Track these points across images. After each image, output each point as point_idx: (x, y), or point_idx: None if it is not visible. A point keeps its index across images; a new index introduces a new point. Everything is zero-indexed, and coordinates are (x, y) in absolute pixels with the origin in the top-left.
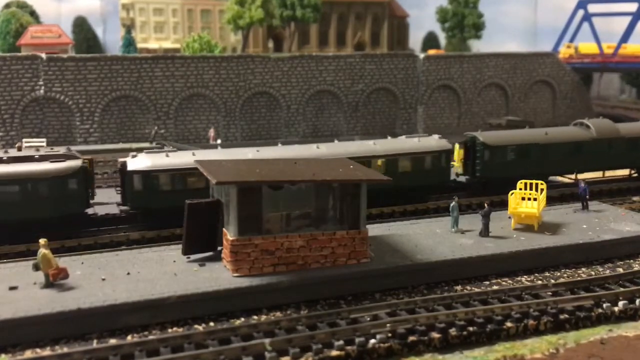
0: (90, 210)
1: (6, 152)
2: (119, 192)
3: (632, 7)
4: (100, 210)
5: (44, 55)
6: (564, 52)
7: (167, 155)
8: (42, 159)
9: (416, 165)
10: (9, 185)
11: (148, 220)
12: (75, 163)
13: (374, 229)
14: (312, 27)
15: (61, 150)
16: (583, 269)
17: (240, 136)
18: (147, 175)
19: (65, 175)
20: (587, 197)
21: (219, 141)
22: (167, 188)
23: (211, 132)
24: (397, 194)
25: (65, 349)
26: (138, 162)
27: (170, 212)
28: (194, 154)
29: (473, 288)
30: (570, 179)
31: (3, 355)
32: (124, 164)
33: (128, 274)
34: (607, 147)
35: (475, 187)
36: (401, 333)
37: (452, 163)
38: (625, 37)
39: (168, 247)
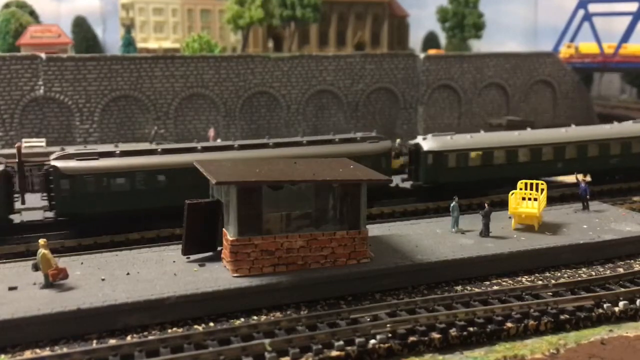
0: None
1: None
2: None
3: (632, 7)
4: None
5: (43, 55)
6: (564, 52)
7: (451, 138)
8: None
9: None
10: None
11: (437, 194)
12: (387, 145)
13: (374, 229)
14: (312, 27)
15: None
16: (583, 269)
17: (240, 136)
18: (439, 154)
19: (381, 155)
20: (588, 197)
21: (218, 141)
22: (453, 165)
23: (211, 132)
24: None
25: (65, 349)
26: (430, 143)
27: (455, 186)
28: (471, 137)
29: (473, 288)
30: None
31: (3, 356)
32: (418, 145)
33: (128, 274)
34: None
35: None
36: (401, 333)
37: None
38: (625, 37)
39: (168, 247)
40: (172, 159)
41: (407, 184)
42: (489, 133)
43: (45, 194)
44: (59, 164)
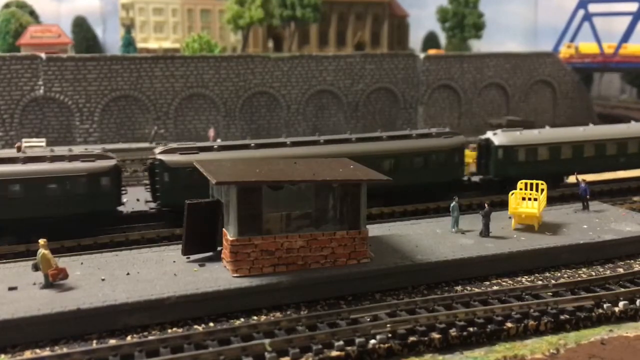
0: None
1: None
2: (477, 164)
3: (632, 7)
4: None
5: (43, 55)
6: (564, 52)
7: (521, 133)
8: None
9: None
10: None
11: (505, 187)
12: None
13: (374, 229)
14: (312, 27)
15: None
16: (583, 269)
17: (240, 136)
18: (510, 148)
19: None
20: (588, 197)
21: (218, 141)
22: (523, 159)
23: (211, 132)
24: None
25: (65, 350)
26: (501, 138)
27: (524, 178)
28: (539, 132)
29: (473, 288)
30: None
31: (3, 356)
32: (489, 140)
33: (128, 274)
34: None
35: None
36: (401, 333)
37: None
38: (625, 37)
39: (168, 247)
40: (265, 153)
41: (476, 178)
42: (556, 129)
43: (149, 186)
44: (164, 157)
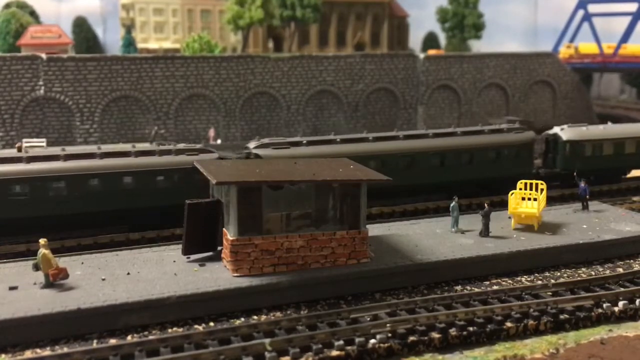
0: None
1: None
2: (542, 158)
3: (632, 7)
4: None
5: (44, 56)
6: (564, 52)
7: (587, 129)
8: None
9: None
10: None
11: (571, 180)
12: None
13: (374, 229)
14: (312, 27)
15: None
16: (583, 269)
17: (240, 136)
18: (577, 143)
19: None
20: (587, 197)
21: (219, 141)
22: (589, 154)
23: (211, 132)
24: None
25: (65, 349)
26: (569, 133)
27: (589, 173)
28: (604, 128)
29: (473, 288)
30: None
31: (3, 356)
32: (556, 135)
33: (128, 274)
34: None
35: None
36: (401, 333)
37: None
38: (625, 37)
39: (168, 247)
40: (347, 148)
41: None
42: (620, 125)
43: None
44: (260, 152)
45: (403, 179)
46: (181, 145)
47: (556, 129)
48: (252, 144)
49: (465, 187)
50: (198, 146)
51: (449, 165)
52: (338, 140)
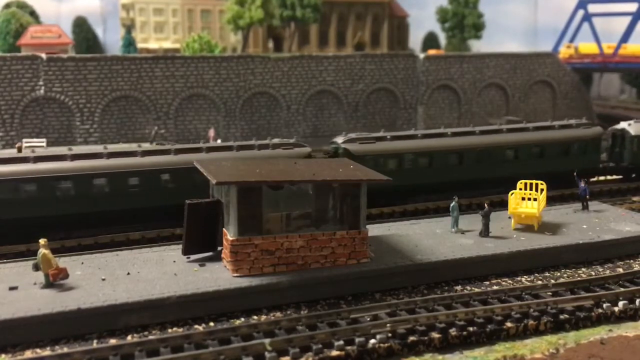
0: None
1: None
2: (608, 152)
3: (632, 7)
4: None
5: (44, 56)
6: (564, 52)
7: None
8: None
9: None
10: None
11: (637, 173)
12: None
13: (374, 229)
14: (312, 27)
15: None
16: (583, 269)
17: (240, 136)
18: None
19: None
20: (587, 197)
21: (219, 141)
22: None
23: (211, 132)
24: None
25: (65, 349)
26: (637, 129)
27: None
28: None
29: (473, 288)
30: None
31: (3, 356)
32: (624, 130)
33: (128, 274)
34: None
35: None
36: (401, 333)
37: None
38: (625, 37)
39: (168, 247)
40: (427, 142)
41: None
42: None
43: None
44: (348, 146)
45: (479, 172)
46: (276, 140)
47: (623, 124)
48: (339, 139)
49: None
50: (292, 141)
51: (522, 158)
52: (419, 135)
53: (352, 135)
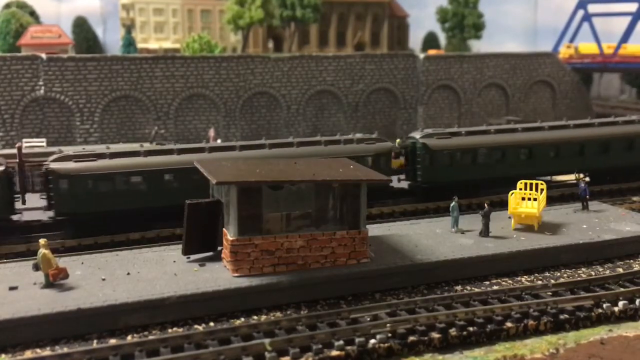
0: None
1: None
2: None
3: (632, 7)
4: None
5: (44, 56)
6: (564, 52)
7: None
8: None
9: None
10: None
11: None
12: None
13: (374, 229)
14: (312, 27)
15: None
16: (583, 269)
17: (240, 136)
18: None
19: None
20: (587, 197)
21: (219, 141)
22: None
23: (211, 132)
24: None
25: (65, 349)
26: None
27: None
28: None
29: (473, 288)
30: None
31: (3, 355)
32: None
33: (128, 274)
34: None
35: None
36: (401, 333)
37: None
38: (625, 37)
39: (168, 247)
40: (500, 138)
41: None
42: None
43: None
44: (427, 141)
45: (550, 166)
46: (359, 135)
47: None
48: (417, 134)
49: (601, 173)
50: (374, 136)
51: (589, 153)
52: (492, 130)
53: (429, 130)
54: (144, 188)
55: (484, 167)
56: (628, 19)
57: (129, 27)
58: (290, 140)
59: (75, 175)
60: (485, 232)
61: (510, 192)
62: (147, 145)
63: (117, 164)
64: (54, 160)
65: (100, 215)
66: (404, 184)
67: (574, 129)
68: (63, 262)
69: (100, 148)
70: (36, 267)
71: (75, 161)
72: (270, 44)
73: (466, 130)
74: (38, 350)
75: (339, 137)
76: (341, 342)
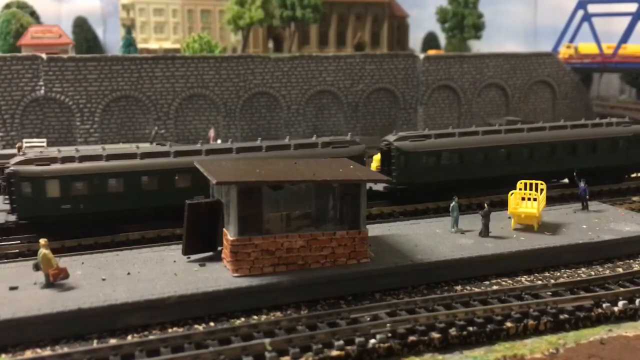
0: None
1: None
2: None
3: (632, 7)
4: None
5: (44, 56)
6: (563, 52)
7: None
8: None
9: None
10: None
11: None
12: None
13: (374, 229)
14: (312, 28)
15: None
16: (583, 269)
17: (240, 136)
18: None
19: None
20: (587, 197)
21: (219, 141)
22: None
23: (211, 133)
24: None
25: (66, 349)
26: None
27: None
28: None
29: (473, 288)
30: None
31: (3, 355)
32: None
33: (128, 274)
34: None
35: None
36: (401, 333)
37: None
38: (625, 38)
39: (168, 247)
40: (474, 139)
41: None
42: None
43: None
44: (399, 144)
45: (545, 165)
46: (326, 139)
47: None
48: (391, 137)
49: (588, 173)
50: (347, 138)
51: (579, 153)
52: (466, 132)
53: (403, 133)
54: (113, 190)
55: (458, 169)
56: (628, 19)
57: (129, 27)
58: (259, 144)
59: (38, 178)
60: (485, 232)
61: (510, 192)
62: (143, 146)
63: (82, 167)
64: (16, 164)
65: (63, 218)
66: (380, 186)
67: (592, 128)
68: (63, 262)
69: (95, 149)
70: (37, 267)
71: (37, 164)
72: (270, 44)
73: (436, 132)
74: (38, 350)
75: (315, 139)
76: (341, 342)
